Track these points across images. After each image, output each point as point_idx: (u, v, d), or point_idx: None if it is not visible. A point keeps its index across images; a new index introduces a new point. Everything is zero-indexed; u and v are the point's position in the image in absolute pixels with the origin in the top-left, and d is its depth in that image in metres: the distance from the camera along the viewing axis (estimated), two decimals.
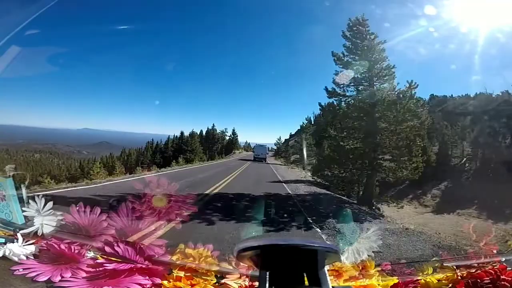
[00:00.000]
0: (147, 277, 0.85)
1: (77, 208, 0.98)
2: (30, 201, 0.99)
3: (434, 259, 1.12)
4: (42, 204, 0.98)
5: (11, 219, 1.06)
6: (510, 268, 0.90)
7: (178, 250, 1.03)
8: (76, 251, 0.89)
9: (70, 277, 0.80)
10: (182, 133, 29.15)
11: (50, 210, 0.98)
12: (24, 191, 1.15)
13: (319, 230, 5.28)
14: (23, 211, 1.02)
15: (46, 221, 0.97)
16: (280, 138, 29.86)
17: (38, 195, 0.99)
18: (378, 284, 0.99)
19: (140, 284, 0.81)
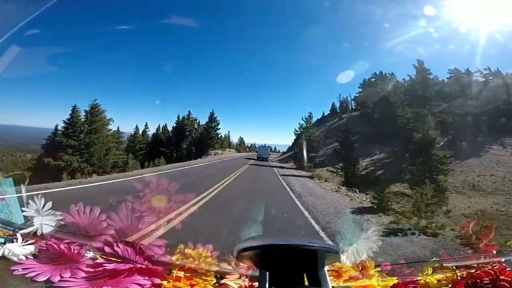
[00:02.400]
0: (147, 277, 0.85)
1: (77, 208, 0.98)
2: (29, 201, 0.99)
3: (433, 259, 1.12)
4: (42, 204, 0.98)
5: (11, 219, 1.06)
6: (509, 269, 0.90)
7: (177, 250, 1.02)
8: (76, 251, 0.89)
9: (70, 277, 0.80)
10: (73, 112, 14.81)
11: (50, 210, 0.98)
12: (23, 191, 1.15)
13: None
14: (23, 211, 1.01)
15: (45, 221, 0.97)
16: (310, 115, 17.18)
17: (37, 195, 0.99)
18: (378, 285, 0.99)
19: (139, 284, 0.81)
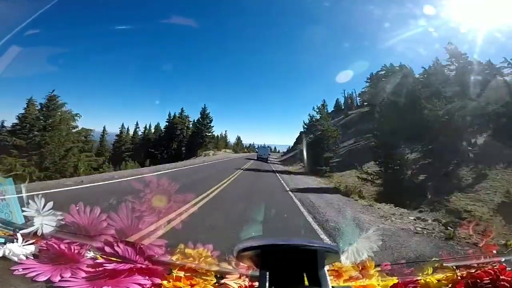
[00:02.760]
0: (147, 277, 0.85)
1: (77, 208, 0.98)
2: (30, 201, 0.99)
3: (433, 259, 1.12)
4: (42, 204, 0.98)
5: (11, 219, 1.06)
6: (509, 268, 0.91)
7: (178, 250, 1.03)
8: (76, 251, 0.89)
9: (70, 277, 0.80)
10: (27, 106, 12.03)
11: (50, 210, 0.98)
12: (24, 191, 1.15)
13: None
14: (23, 211, 1.01)
15: (46, 221, 0.97)
16: (324, 104, 13.34)
17: (38, 195, 0.99)
18: (378, 284, 0.99)
19: (140, 284, 0.81)
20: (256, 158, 19.10)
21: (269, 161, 18.42)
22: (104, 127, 20.21)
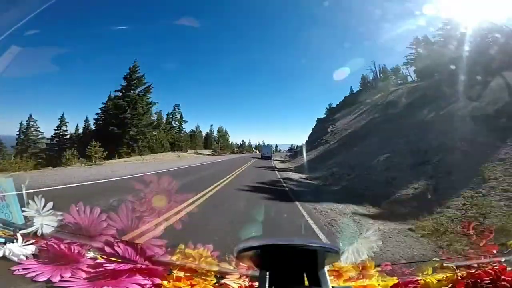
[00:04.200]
0: (147, 277, 0.85)
1: (77, 208, 0.98)
2: (30, 201, 0.99)
3: (434, 259, 1.12)
4: (42, 204, 0.98)
5: (11, 219, 1.06)
6: (510, 269, 0.91)
7: (178, 250, 1.03)
8: (76, 251, 0.89)
9: (70, 277, 0.80)
10: None
11: (50, 210, 0.98)
12: (24, 191, 1.15)
13: None
14: (23, 211, 1.01)
15: (46, 221, 0.97)
16: None
17: (38, 195, 0.99)
18: (378, 284, 0.99)
19: (140, 284, 0.81)
20: (260, 157, 19.01)
21: (277, 170, 15.48)
22: (30, 115, 13.29)
